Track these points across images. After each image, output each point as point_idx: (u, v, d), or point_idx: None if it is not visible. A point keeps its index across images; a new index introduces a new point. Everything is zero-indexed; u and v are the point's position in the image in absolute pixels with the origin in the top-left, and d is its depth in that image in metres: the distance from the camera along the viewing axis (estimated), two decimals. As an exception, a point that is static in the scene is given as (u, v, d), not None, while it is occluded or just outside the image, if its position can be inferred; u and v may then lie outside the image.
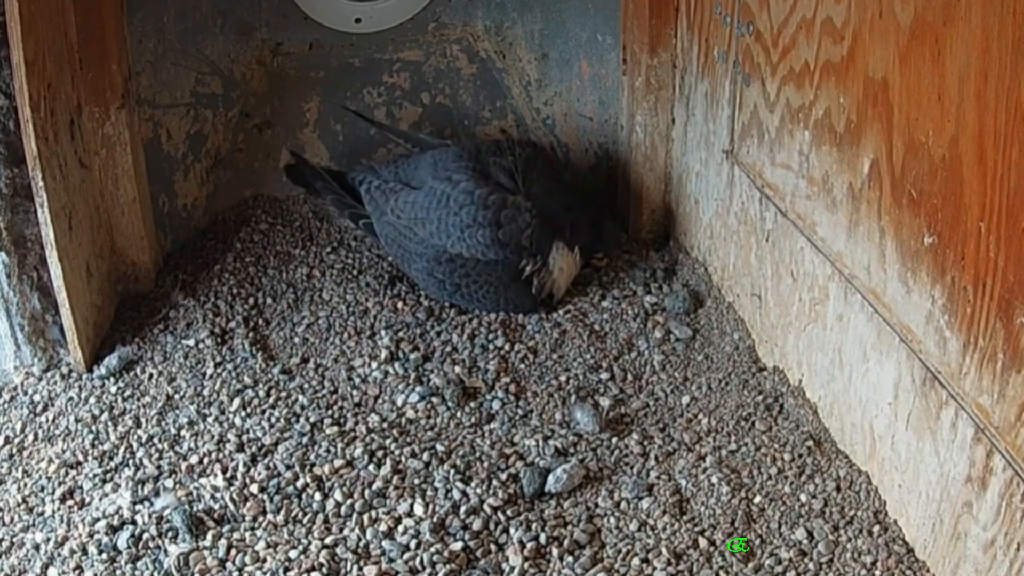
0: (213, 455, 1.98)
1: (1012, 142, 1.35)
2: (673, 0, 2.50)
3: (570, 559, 1.74)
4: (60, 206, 2.09)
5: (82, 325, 2.18)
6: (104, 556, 1.74)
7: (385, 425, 2.08)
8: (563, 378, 2.23)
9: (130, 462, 1.98)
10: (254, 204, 2.87)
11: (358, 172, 2.70)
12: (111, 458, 1.99)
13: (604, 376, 2.23)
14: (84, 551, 1.76)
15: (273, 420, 2.08)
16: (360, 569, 1.71)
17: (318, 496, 1.87)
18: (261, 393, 2.17)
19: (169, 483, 1.90)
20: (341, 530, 1.81)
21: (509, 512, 1.84)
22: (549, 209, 2.44)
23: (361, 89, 2.90)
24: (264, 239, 2.74)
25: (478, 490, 1.88)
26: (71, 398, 2.16)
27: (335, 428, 2.06)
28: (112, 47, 2.27)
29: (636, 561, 1.73)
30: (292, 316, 2.45)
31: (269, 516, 1.83)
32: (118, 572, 1.72)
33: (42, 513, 1.86)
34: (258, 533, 1.80)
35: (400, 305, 2.50)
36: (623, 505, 1.87)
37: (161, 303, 2.46)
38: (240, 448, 2.00)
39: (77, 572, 1.72)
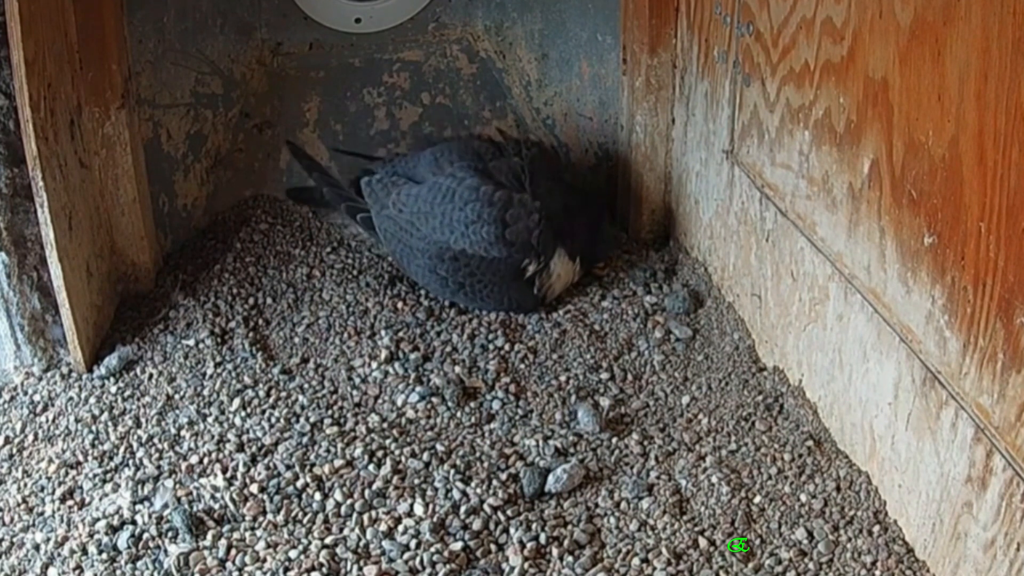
0: (213, 455, 1.98)
1: (1012, 142, 1.35)
2: (673, 0, 2.50)
3: (570, 559, 1.74)
4: (60, 206, 2.09)
5: (82, 325, 2.18)
6: (104, 556, 1.74)
7: (385, 425, 2.08)
8: (563, 378, 2.23)
9: (130, 462, 1.98)
10: (254, 204, 2.87)
11: (360, 175, 2.71)
12: (111, 458, 1.99)
13: (604, 376, 2.23)
14: (84, 551, 1.76)
15: (273, 420, 2.08)
16: (360, 569, 1.71)
17: (318, 496, 1.88)
18: (261, 393, 2.17)
19: (169, 483, 1.90)
20: (341, 530, 1.81)
21: (509, 512, 1.84)
22: (553, 211, 2.44)
23: (361, 89, 2.90)
24: (264, 239, 2.74)
25: (478, 490, 1.88)
26: (71, 398, 2.16)
27: (335, 428, 2.06)
28: (112, 47, 2.27)
29: (636, 561, 1.73)
30: (292, 316, 2.45)
31: (269, 516, 1.83)
32: (118, 572, 1.72)
33: (42, 513, 1.86)
34: (258, 533, 1.80)
35: (400, 305, 2.50)
36: (623, 505, 1.87)
37: (161, 303, 2.46)
38: (240, 448, 2.00)
39: (77, 572, 1.73)
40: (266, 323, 2.43)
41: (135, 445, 2.02)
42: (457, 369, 2.25)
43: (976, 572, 1.53)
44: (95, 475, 1.94)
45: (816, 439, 1.99)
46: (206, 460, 1.97)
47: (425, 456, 1.98)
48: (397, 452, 1.98)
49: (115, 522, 1.82)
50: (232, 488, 1.89)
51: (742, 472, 1.93)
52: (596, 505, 1.87)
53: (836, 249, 1.89)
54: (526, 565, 1.72)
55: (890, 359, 1.73)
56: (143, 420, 2.09)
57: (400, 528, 1.80)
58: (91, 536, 1.79)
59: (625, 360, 2.29)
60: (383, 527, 1.81)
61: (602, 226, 2.68)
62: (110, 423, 2.08)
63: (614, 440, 2.03)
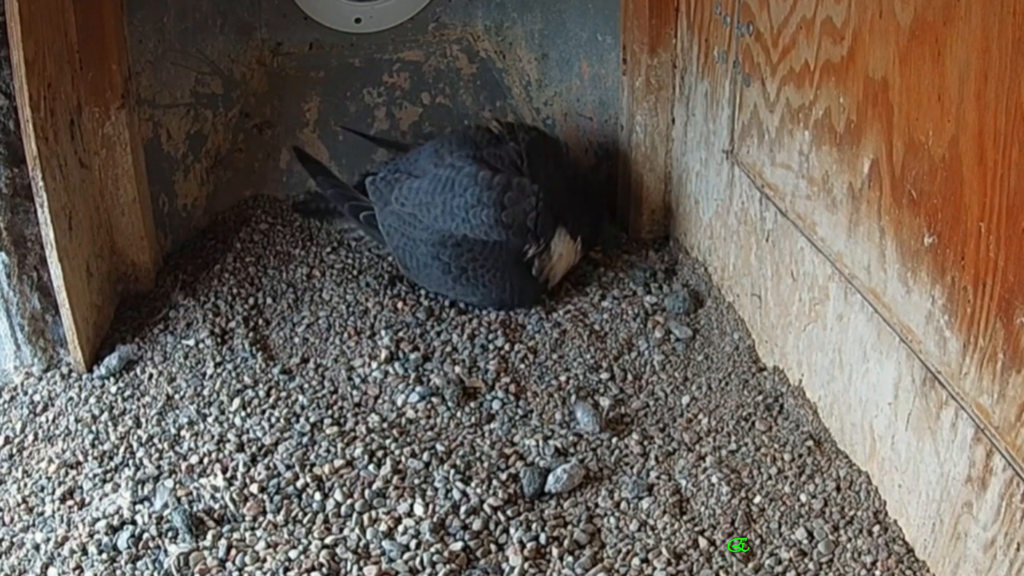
0: (213, 455, 1.98)
1: (1012, 142, 1.35)
2: (673, 0, 2.50)
3: (570, 559, 1.74)
4: (60, 206, 2.09)
5: (82, 325, 2.18)
6: (104, 556, 1.74)
7: (385, 425, 2.08)
8: (563, 378, 2.23)
9: (130, 462, 1.98)
10: (254, 204, 2.87)
11: (362, 177, 2.72)
12: (111, 458, 1.99)
13: (604, 376, 2.23)
14: (84, 551, 1.76)
15: (273, 420, 2.08)
16: (360, 569, 1.71)
17: (318, 496, 1.87)
18: (261, 393, 2.17)
19: (169, 483, 1.90)
20: (341, 530, 1.81)
21: (509, 512, 1.84)
22: (553, 193, 2.44)
23: (361, 89, 2.90)
24: (264, 239, 2.74)
25: (478, 490, 1.88)
26: (71, 398, 2.16)
27: (335, 428, 2.06)
28: (112, 47, 2.27)
29: (636, 561, 1.73)
30: (292, 316, 2.45)
31: (269, 516, 1.83)
32: (118, 572, 1.72)
33: (42, 513, 1.86)
34: (258, 533, 1.80)
35: (400, 305, 2.50)
36: (623, 505, 1.87)
37: (161, 303, 2.46)
38: (240, 448, 2.00)
39: (77, 572, 1.72)
40: (266, 323, 2.43)
41: (135, 445, 2.02)
42: (457, 369, 2.25)
43: (976, 572, 1.53)
44: (95, 475, 1.94)
45: (816, 439, 1.99)
46: (206, 460, 1.97)
47: (425, 456, 1.98)
48: (397, 452, 1.98)
49: (115, 522, 1.82)
50: (232, 488, 1.89)
51: (742, 472, 1.93)
52: (596, 505, 1.87)
53: (836, 249, 1.89)
54: (526, 565, 1.72)
55: (890, 359, 1.73)
56: (143, 420, 2.09)
57: (400, 528, 1.80)
58: (91, 536, 1.79)
59: (625, 360, 2.29)
60: (383, 527, 1.81)
61: (603, 212, 2.69)
62: (110, 423, 2.08)
63: (614, 440, 2.03)
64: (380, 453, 1.98)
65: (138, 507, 1.85)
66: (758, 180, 2.18)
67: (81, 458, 1.99)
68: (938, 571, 1.65)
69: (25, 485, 1.93)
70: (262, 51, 2.79)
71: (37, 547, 1.78)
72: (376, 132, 2.94)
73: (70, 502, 1.88)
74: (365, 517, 1.83)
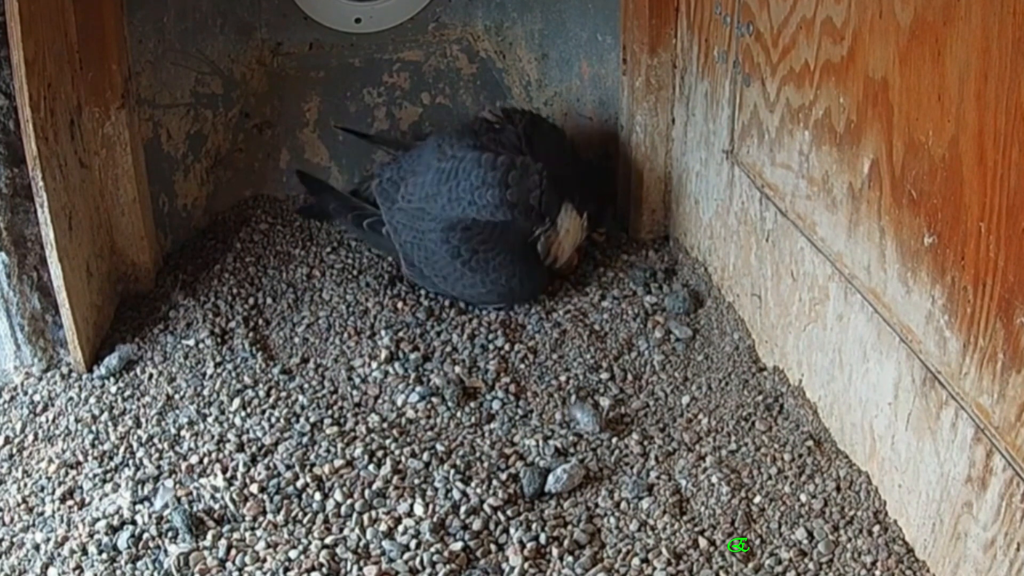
0: (213, 455, 1.98)
1: (1012, 142, 1.35)
2: (673, 0, 2.50)
3: (570, 559, 1.74)
4: (60, 206, 2.09)
5: (82, 325, 2.18)
6: (104, 556, 1.74)
7: (385, 425, 2.08)
8: (563, 378, 2.23)
9: (130, 462, 1.98)
10: (254, 204, 2.87)
11: (364, 180, 2.72)
12: (111, 458, 1.99)
13: (604, 376, 2.23)
14: (84, 551, 1.76)
15: (273, 420, 2.08)
16: (360, 569, 1.71)
17: (318, 496, 1.87)
18: (261, 393, 2.17)
19: (169, 483, 1.90)
20: (341, 530, 1.81)
21: (509, 512, 1.84)
22: (556, 170, 2.45)
23: (361, 89, 2.90)
24: (264, 239, 2.74)
25: (478, 490, 1.88)
26: (71, 398, 2.16)
27: (335, 428, 2.06)
28: (112, 47, 2.27)
29: (636, 561, 1.73)
30: (292, 316, 2.45)
31: (269, 516, 1.83)
32: (118, 572, 1.72)
33: (42, 513, 1.86)
34: (258, 533, 1.80)
35: (400, 305, 2.50)
36: (623, 505, 1.87)
37: (161, 303, 2.46)
38: (240, 448, 2.00)
39: (77, 572, 1.72)
40: (266, 323, 2.43)
41: (135, 445, 2.02)
42: (457, 369, 2.25)
43: (976, 572, 1.53)
44: (95, 475, 1.94)
45: (816, 439, 1.99)
46: (206, 460, 1.97)
47: (425, 456, 1.98)
48: (397, 452, 1.98)
49: (115, 522, 1.82)
50: (232, 488, 1.89)
51: (742, 472, 1.93)
52: (596, 505, 1.87)
53: (836, 249, 1.89)
54: (526, 565, 1.72)
55: (890, 359, 1.73)
56: (143, 420, 2.09)
57: (400, 528, 1.80)
58: (91, 536, 1.79)
59: (625, 360, 2.29)
60: (383, 527, 1.81)
61: (606, 194, 2.70)
62: (110, 423, 2.08)
63: (614, 440, 2.03)
64: (380, 453, 1.98)
65: (138, 507, 1.85)
66: (758, 180, 2.18)
67: (81, 458, 1.99)
68: (938, 571, 1.65)
69: (25, 485, 1.93)
70: (262, 51, 2.79)
71: (37, 547, 1.78)
72: (376, 132, 2.94)
73: (70, 502, 1.88)
74: (365, 517, 1.83)
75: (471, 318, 2.44)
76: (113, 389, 2.18)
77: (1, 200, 2.09)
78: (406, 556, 1.74)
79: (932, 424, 1.62)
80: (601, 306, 2.49)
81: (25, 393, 2.17)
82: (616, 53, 2.72)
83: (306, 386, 2.21)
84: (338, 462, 1.95)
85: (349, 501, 1.86)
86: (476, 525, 1.81)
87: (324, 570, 1.71)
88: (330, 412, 2.11)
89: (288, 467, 1.94)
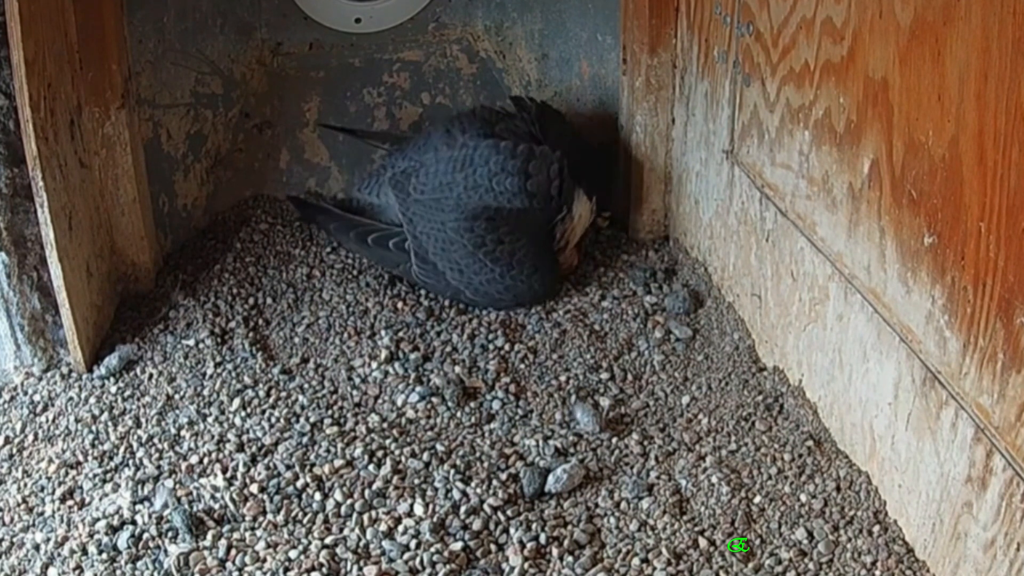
0: (213, 455, 1.98)
1: (1012, 142, 1.35)
2: (673, 0, 2.50)
3: (570, 559, 1.74)
4: (60, 206, 2.09)
5: (82, 325, 2.18)
6: (104, 556, 1.74)
7: (385, 425, 2.08)
8: (563, 378, 2.23)
9: (130, 462, 1.98)
10: (254, 204, 2.87)
11: (365, 181, 2.71)
12: (111, 458, 1.99)
13: (604, 376, 2.23)
14: (84, 551, 1.76)
15: (273, 420, 2.08)
16: (360, 569, 1.71)
17: (318, 496, 1.87)
18: (261, 393, 2.17)
19: (169, 483, 1.90)
20: (341, 530, 1.81)
21: (509, 512, 1.84)
22: (569, 158, 2.47)
23: (361, 89, 2.90)
24: (264, 239, 2.74)
25: (478, 490, 1.88)
26: (71, 398, 2.16)
27: (335, 428, 2.06)
28: (112, 47, 2.27)
29: (636, 561, 1.73)
30: (292, 316, 2.45)
31: (269, 516, 1.83)
32: (118, 572, 1.72)
33: (42, 513, 1.86)
34: (258, 533, 1.80)
35: (400, 305, 2.50)
36: (623, 505, 1.87)
37: (161, 303, 2.46)
38: (240, 448, 2.00)
39: (77, 572, 1.73)
40: (266, 323, 2.43)
41: (135, 445, 2.02)
42: (457, 369, 2.25)
43: (976, 572, 1.53)
44: (95, 475, 1.94)
45: (816, 439, 1.99)
46: (206, 460, 1.97)
47: (425, 456, 1.98)
48: (397, 452, 1.98)
49: (115, 522, 1.82)
50: (232, 488, 1.89)
51: (742, 472, 1.93)
52: (596, 505, 1.87)
53: (836, 249, 1.89)
54: (526, 565, 1.72)
55: (890, 359, 1.73)
56: (143, 420, 2.09)
57: (400, 528, 1.80)
58: (91, 536, 1.79)
59: (625, 360, 2.29)
60: (383, 527, 1.81)
61: (609, 177, 2.72)
62: (110, 423, 2.08)
63: (614, 440, 2.03)
64: (380, 453, 1.98)
65: (138, 507, 1.85)
66: (758, 180, 2.18)
67: (81, 458, 1.99)
68: (938, 571, 1.65)
69: (25, 485, 1.93)
70: (262, 51, 2.79)
71: (37, 547, 1.78)
72: (376, 132, 2.94)
73: (70, 502, 1.88)
74: (365, 517, 1.83)
75: (471, 318, 2.44)
76: (113, 389, 2.18)
77: (1, 200, 2.09)
78: (406, 556, 1.74)
79: (932, 424, 1.62)
80: (601, 306, 2.49)
81: (25, 393, 2.17)
82: (616, 53, 2.72)
83: (306, 386, 2.21)
84: (338, 462, 1.95)
85: (349, 501, 1.86)
86: (476, 525, 1.81)
87: (324, 570, 1.71)
88: (330, 412, 2.11)
89: (288, 467, 1.94)
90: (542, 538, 1.78)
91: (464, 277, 2.44)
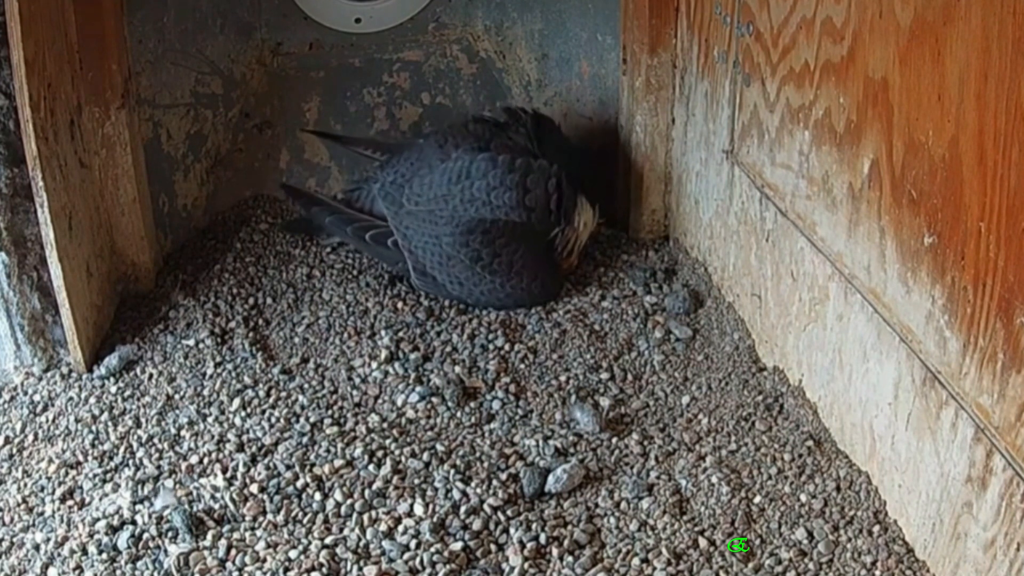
0: (213, 455, 1.98)
1: (1012, 142, 1.35)
2: (673, 0, 2.50)
3: (570, 559, 1.74)
4: (60, 206, 2.09)
5: (82, 325, 2.18)
6: (104, 556, 1.74)
7: (385, 425, 2.08)
8: (563, 378, 2.23)
9: (130, 462, 1.98)
10: (254, 204, 2.87)
11: (357, 185, 2.70)
12: (111, 458, 1.99)
13: (604, 376, 2.23)
14: (84, 551, 1.76)
15: (273, 420, 2.08)
16: (360, 569, 1.71)
17: (318, 496, 1.87)
18: (261, 393, 2.17)
19: (169, 483, 1.90)
20: (341, 530, 1.81)
21: (509, 512, 1.84)
22: (567, 168, 2.46)
23: (361, 89, 2.90)
24: (264, 239, 2.74)
25: (478, 490, 1.88)
26: (71, 398, 2.16)
27: (335, 428, 2.06)
28: (112, 47, 2.27)
29: (636, 561, 1.73)
30: (292, 316, 2.45)
31: (269, 516, 1.83)
32: (118, 572, 1.72)
33: (42, 513, 1.86)
34: (258, 533, 1.80)
35: (400, 305, 2.50)
36: (623, 505, 1.87)
37: (161, 303, 2.46)
38: (240, 448, 2.00)
39: (77, 572, 1.72)
40: (266, 323, 2.43)
41: (135, 445, 2.02)
42: (457, 369, 2.25)
43: (976, 572, 1.53)
44: (95, 475, 1.94)
45: (816, 439, 1.99)
46: (206, 460, 1.97)
47: (425, 456, 1.98)
48: (397, 452, 1.98)
49: (115, 522, 1.82)
50: (232, 488, 1.89)
51: (742, 472, 1.93)
52: (596, 505, 1.87)
53: (836, 249, 1.89)
54: (526, 565, 1.72)
55: (890, 359, 1.73)
56: (143, 420, 2.09)
57: (400, 528, 1.80)
58: (91, 536, 1.79)
59: (625, 360, 2.29)
60: (383, 527, 1.81)
61: (606, 184, 2.73)
62: (110, 423, 2.08)
63: (614, 440, 2.03)
64: (380, 453, 1.98)
65: (138, 507, 1.85)
66: (758, 180, 2.18)
67: (81, 458, 1.99)
68: (938, 571, 1.65)
69: (25, 485, 1.93)
70: (262, 51, 2.79)
71: (37, 547, 1.78)
72: (376, 132, 2.94)
73: (70, 502, 1.88)
74: (365, 517, 1.83)
75: (471, 318, 2.44)
76: (113, 389, 2.18)
77: (1, 200, 2.09)
78: (406, 556, 1.74)
79: (932, 424, 1.62)
80: (601, 306, 2.49)
81: (25, 393, 2.17)
82: (616, 53, 2.72)
83: (306, 386, 2.21)
84: (338, 462, 1.95)
85: (349, 501, 1.86)
86: (476, 525, 1.81)
87: (324, 570, 1.71)
88: (330, 412, 2.11)
89: (288, 467, 1.94)
90: (542, 538, 1.78)
91: (464, 289, 2.45)
